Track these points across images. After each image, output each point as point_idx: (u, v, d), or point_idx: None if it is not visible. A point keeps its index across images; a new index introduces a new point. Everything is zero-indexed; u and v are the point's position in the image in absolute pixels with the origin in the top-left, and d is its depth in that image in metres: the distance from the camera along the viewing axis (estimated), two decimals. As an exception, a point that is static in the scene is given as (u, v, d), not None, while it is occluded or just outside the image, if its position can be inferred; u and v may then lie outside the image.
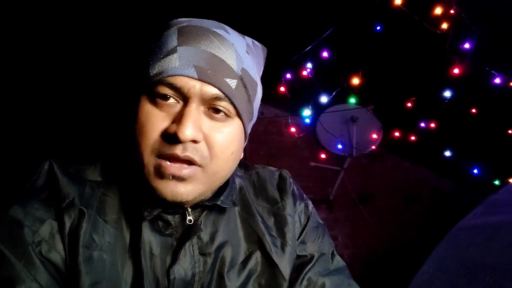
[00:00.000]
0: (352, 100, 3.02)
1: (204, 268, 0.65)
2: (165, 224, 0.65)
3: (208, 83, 0.58)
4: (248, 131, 0.68)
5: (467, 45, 2.41)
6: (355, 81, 2.73)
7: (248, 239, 0.71)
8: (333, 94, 2.86)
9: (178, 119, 0.58)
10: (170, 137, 0.57)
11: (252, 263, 0.69)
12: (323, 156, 3.30)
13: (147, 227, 0.63)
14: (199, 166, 0.60)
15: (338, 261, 0.77)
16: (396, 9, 2.35)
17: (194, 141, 0.58)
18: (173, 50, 0.59)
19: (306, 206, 0.79)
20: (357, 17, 2.44)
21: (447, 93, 2.72)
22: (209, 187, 0.64)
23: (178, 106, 0.59)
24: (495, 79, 2.51)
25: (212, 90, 0.59)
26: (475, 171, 3.04)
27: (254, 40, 0.71)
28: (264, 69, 0.73)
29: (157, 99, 0.59)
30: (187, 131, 0.56)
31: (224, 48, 0.60)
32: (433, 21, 2.35)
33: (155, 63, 0.60)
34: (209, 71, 0.58)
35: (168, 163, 0.58)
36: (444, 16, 2.34)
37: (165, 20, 0.66)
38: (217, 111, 0.60)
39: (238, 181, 0.76)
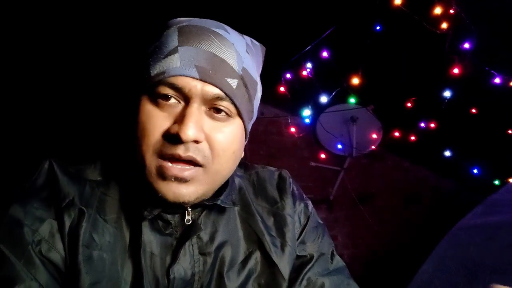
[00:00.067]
0: (352, 100, 3.02)
1: (203, 267, 0.65)
2: (165, 224, 0.65)
3: (210, 83, 0.58)
4: (249, 130, 0.68)
5: (467, 45, 2.41)
6: (355, 81, 2.73)
7: (248, 239, 0.71)
8: (333, 94, 2.86)
9: (179, 119, 0.58)
10: (172, 138, 0.57)
11: (251, 263, 0.69)
12: (323, 156, 3.30)
13: (147, 227, 0.63)
14: (201, 166, 0.60)
15: (338, 261, 0.77)
16: (396, 9, 2.35)
17: (196, 141, 0.58)
18: (174, 50, 0.59)
19: (306, 206, 0.79)
20: (357, 17, 2.44)
21: (447, 93, 2.72)
22: (211, 187, 0.64)
23: (180, 106, 0.59)
24: (495, 79, 2.51)
25: (213, 90, 0.59)
26: (475, 171, 3.04)
27: (253, 39, 0.71)
28: (264, 69, 0.73)
29: (158, 99, 0.59)
30: (189, 131, 0.56)
31: (225, 48, 0.61)
32: (433, 21, 2.36)
33: (156, 63, 0.60)
34: (210, 71, 0.58)
35: (170, 164, 0.58)
36: (444, 16, 2.34)
37: (165, 20, 0.66)
38: (218, 111, 0.61)
39: (237, 181, 0.76)
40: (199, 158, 0.59)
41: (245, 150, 0.70)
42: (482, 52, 2.40)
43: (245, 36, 0.69)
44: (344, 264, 0.78)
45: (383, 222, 3.30)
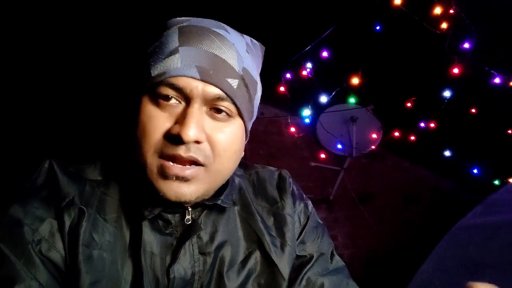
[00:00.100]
0: (352, 100, 3.02)
1: (203, 267, 0.65)
2: (165, 223, 0.65)
3: (210, 84, 0.58)
4: (249, 129, 0.68)
5: (466, 45, 2.41)
6: (355, 81, 2.73)
7: (248, 238, 0.71)
8: (333, 94, 2.86)
9: (181, 120, 0.58)
10: (173, 138, 0.57)
11: (251, 262, 0.69)
12: (323, 156, 3.30)
13: (147, 226, 0.63)
14: (203, 165, 0.60)
15: (337, 261, 0.77)
16: (395, 9, 2.35)
17: (197, 142, 0.58)
18: (175, 51, 0.59)
19: (306, 206, 0.79)
20: (357, 17, 2.44)
21: (447, 93, 2.72)
22: (212, 186, 0.64)
23: (180, 107, 0.59)
24: (494, 79, 2.51)
25: (214, 91, 0.59)
26: (475, 171, 3.05)
27: (252, 39, 0.71)
28: (264, 69, 0.73)
29: (159, 99, 0.59)
30: (190, 132, 0.56)
31: (225, 48, 0.61)
32: (432, 21, 2.36)
33: (157, 64, 0.60)
34: (211, 72, 0.58)
35: (171, 163, 0.58)
36: (444, 16, 2.34)
37: (165, 20, 0.66)
38: (219, 111, 0.61)
39: (237, 180, 0.76)
40: (200, 158, 0.59)
41: (245, 150, 0.70)
42: (482, 52, 2.40)
43: (245, 36, 0.69)
44: (344, 264, 0.78)
45: (383, 222, 3.30)
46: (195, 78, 0.58)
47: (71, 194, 0.62)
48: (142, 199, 0.63)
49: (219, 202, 0.67)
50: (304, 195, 0.81)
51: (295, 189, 0.80)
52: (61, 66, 2.47)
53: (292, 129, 3.15)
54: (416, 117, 3.03)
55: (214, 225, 0.69)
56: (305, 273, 0.71)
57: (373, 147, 3.25)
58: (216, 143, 0.61)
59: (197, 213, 0.67)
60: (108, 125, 2.20)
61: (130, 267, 0.62)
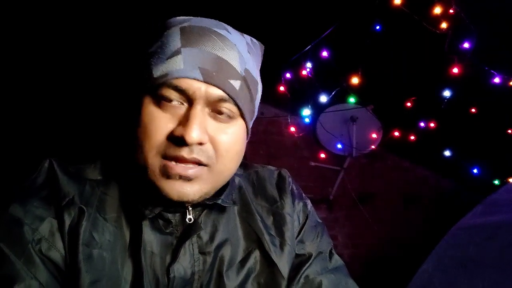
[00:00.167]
0: (352, 100, 3.02)
1: (203, 267, 0.65)
2: (165, 223, 0.65)
3: (213, 85, 0.58)
4: (250, 129, 0.69)
5: (466, 45, 2.41)
6: (355, 80, 2.73)
7: (247, 238, 0.71)
8: (333, 93, 2.86)
9: (184, 121, 0.58)
10: (176, 140, 0.57)
11: (251, 262, 0.69)
12: (323, 156, 3.30)
13: (147, 226, 0.63)
14: (205, 165, 0.60)
15: (336, 260, 0.76)
16: (395, 9, 2.36)
17: (200, 143, 0.58)
18: (177, 52, 0.59)
19: (305, 205, 0.79)
20: (357, 17, 2.45)
21: (447, 93, 2.72)
22: (214, 186, 0.64)
23: (183, 108, 0.59)
24: (494, 78, 2.51)
25: (217, 92, 0.59)
26: (475, 171, 3.05)
27: (252, 38, 0.71)
28: (264, 68, 0.73)
29: (161, 100, 0.59)
30: (193, 133, 0.56)
31: (227, 49, 0.61)
32: (432, 21, 2.36)
33: (159, 65, 0.60)
34: (214, 73, 0.58)
35: (174, 163, 0.58)
36: (444, 16, 2.35)
37: (165, 19, 0.66)
38: (221, 112, 0.61)
39: (237, 180, 0.76)
40: (203, 159, 0.59)
41: (245, 150, 0.71)
42: (482, 52, 2.40)
43: (245, 35, 0.69)
44: (343, 263, 0.77)
45: (383, 222, 3.30)
46: (198, 80, 0.58)
47: (71, 193, 0.62)
48: (143, 198, 0.63)
49: (219, 201, 0.67)
50: (303, 194, 0.81)
51: (294, 188, 0.80)
52: (61, 66, 2.47)
53: (292, 129, 3.15)
54: (416, 117, 3.03)
55: (214, 224, 0.69)
56: (304, 272, 0.71)
57: (373, 147, 3.25)
58: (218, 144, 0.61)
59: (197, 212, 0.67)
60: (108, 125, 2.20)
61: (130, 266, 0.62)
